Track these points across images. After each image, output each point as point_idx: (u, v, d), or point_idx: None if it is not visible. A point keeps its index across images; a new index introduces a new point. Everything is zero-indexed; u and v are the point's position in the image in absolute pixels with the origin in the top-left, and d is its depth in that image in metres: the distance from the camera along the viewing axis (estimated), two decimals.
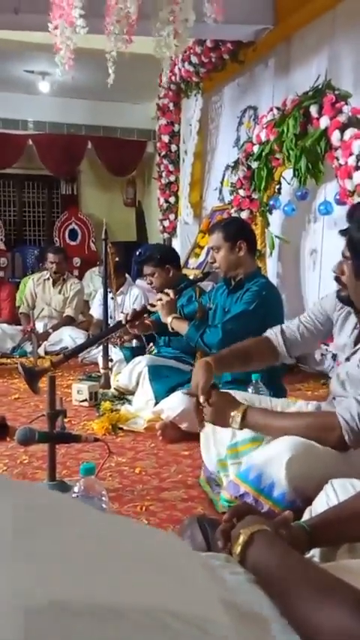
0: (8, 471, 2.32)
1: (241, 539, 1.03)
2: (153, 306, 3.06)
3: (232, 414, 1.76)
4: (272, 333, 2.09)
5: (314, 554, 1.24)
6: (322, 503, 1.42)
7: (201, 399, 1.82)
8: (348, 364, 1.89)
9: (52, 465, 2.00)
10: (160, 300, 3.00)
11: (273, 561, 0.97)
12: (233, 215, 4.45)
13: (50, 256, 5.32)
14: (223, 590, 0.55)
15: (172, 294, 3.00)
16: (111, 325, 3.53)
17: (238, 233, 2.91)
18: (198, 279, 3.30)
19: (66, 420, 2.74)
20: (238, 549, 1.03)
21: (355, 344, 1.89)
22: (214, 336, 2.73)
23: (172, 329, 2.93)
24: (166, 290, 3.05)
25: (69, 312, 5.26)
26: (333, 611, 0.81)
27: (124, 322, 3.15)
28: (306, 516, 1.41)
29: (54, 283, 5.32)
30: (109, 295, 3.87)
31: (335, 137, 3.31)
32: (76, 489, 1.40)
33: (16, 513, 0.45)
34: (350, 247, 1.41)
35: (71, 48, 3.32)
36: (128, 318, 3.13)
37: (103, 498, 1.40)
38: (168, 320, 2.93)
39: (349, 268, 1.68)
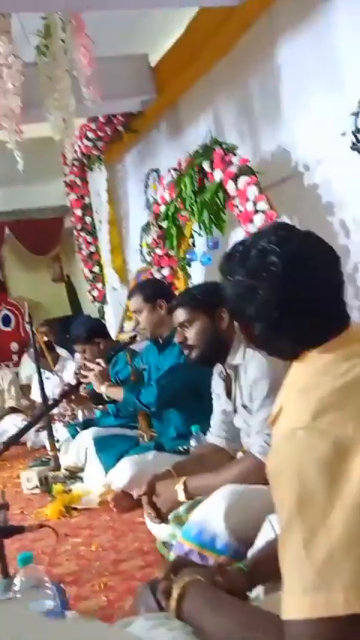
0: None
1: (175, 593, 1.06)
2: (85, 377, 3.08)
3: (176, 487, 1.92)
4: (213, 438, 2.18)
5: (259, 592, 1.26)
6: (262, 542, 1.45)
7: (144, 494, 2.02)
8: (237, 414, 2.01)
9: (3, 560, 1.95)
10: (92, 370, 3.02)
11: (206, 610, 1.00)
12: (155, 274, 4.57)
13: None
14: None
15: (102, 363, 3.04)
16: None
17: (156, 293, 3.00)
18: (126, 343, 3.34)
19: (17, 511, 2.70)
20: (172, 604, 1.05)
21: (228, 394, 2.02)
22: (150, 394, 2.77)
23: (108, 397, 2.95)
24: (97, 360, 3.09)
25: (10, 403, 5.19)
26: None
27: (57, 399, 3.16)
28: (249, 557, 1.43)
29: None
30: (45, 375, 3.86)
31: (230, 187, 3.48)
32: (16, 582, 1.36)
33: None
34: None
35: None
36: (60, 394, 3.14)
37: (47, 584, 1.37)
38: (102, 389, 2.95)
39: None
